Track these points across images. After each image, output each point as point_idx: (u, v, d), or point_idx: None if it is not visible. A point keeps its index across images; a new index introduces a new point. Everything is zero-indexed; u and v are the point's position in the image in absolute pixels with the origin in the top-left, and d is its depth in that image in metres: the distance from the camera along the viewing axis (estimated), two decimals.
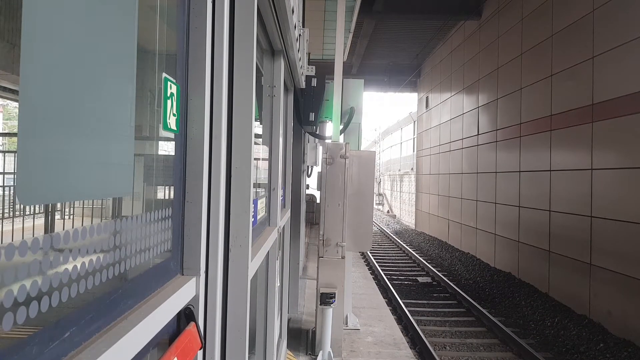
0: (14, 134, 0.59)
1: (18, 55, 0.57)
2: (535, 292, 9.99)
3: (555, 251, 9.66)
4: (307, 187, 9.86)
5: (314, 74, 5.75)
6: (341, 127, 5.97)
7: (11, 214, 0.67)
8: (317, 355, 4.91)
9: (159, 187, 1.21)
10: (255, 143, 1.84)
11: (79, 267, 0.74)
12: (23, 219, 0.72)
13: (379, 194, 38.04)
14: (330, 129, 5.86)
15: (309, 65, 5.73)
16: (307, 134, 6.79)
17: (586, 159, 8.57)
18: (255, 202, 2.26)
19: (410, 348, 6.06)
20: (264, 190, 2.91)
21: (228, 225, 1.56)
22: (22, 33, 0.57)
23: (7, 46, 0.62)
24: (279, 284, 3.53)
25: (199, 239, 1.30)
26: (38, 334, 0.64)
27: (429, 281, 12.00)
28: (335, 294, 4.90)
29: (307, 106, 5.80)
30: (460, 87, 16.44)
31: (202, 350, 1.32)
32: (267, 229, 2.89)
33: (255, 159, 1.89)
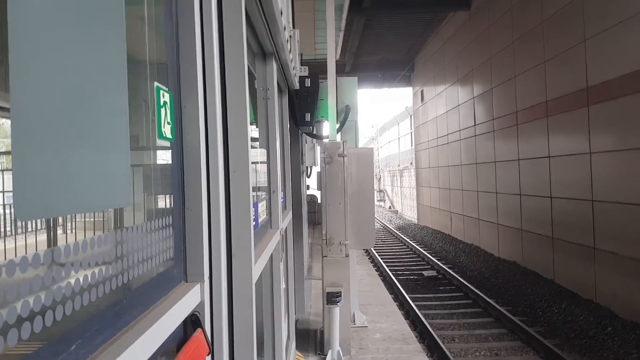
0: (8, 152, 0.59)
1: (6, 72, 0.57)
2: (540, 280, 9.99)
3: (559, 237, 9.66)
4: (308, 187, 9.86)
5: (307, 75, 5.75)
6: (337, 125, 5.96)
7: (13, 231, 0.67)
8: (327, 355, 4.91)
9: (158, 195, 1.21)
10: (252, 146, 1.85)
11: (81, 279, 0.74)
12: (25, 236, 0.73)
13: (380, 191, 38.04)
14: (327, 128, 5.86)
15: (301, 65, 5.73)
16: (304, 135, 6.79)
17: (584, 143, 8.57)
18: (255, 206, 2.26)
19: (419, 342, 6.07)
20: (264, 193, 2.91)
21: (229, 230, 1.56)
22: (10, 48, 0.57)
23: None
24: (284, 286, 3.53)
25: (201, 245, 1.30)
26: (43, 349, 0.64)
27: (434, 275, 12.01)
28: (341, 292, 4.90)
29: (303, 107, 5.80)
30: (454, 78, 16.44)
31: (210, 356, 1.32)
32: (269, 231, 2.89)
33: (253, 162, 1.90)
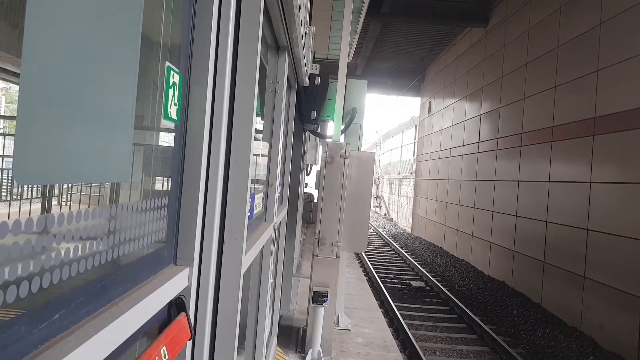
0: (13, 117, 0.59)
1: (20, 36, 0.57)
2: (527, 302, 10.00)
3: (550, 262, 9.67)
4: (306, 185, 9.86)
5: (317, 73, 5.75)
6: (342, 127, 5.97)
7: (8, 197, 0.67)
8: (307, 354, 4.91)
9: (156, 175, 1.21)
10: (256, 138, 1.84)
11: (71, 250, 0.74)
12: (20, 203, 0.73)
13: (377, 197, 38.04)
14: (332, 128, 5.86)
15: (313, 63, 5.73)
16: (308, 132, 6.79)
17: (585, 171, 8.57)
18: (252, 197, 2.26)
19: (400, 351, 6.06)
20: (262, 185, 2.91)
21: (224, 217, 1.56)
22: (26, 17, 0.57)
23: (10, 27, 0.62)
24: (272, 280, 3.53)
25: (193, 230, 1.30)
26: (27, 315, 0.64)
27: (422, 285, 12.01)
28: (327, 293, 4.89)
29: (310, 104, 5.79)
30: (463, 93, 16.44)
31: (191, 341, 1.32)
32: (263, 224, 2.89)
33: (254, 154, 1.89)
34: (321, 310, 4.88)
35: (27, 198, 0.74)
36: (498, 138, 12.88)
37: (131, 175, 0.95)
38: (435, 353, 7.30)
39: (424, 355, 6.81)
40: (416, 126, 25.92)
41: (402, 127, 32.11)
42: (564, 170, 9.40)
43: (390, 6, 14.33)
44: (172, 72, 1.12)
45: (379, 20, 15.53)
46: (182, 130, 1.26)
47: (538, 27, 11.07)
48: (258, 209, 2.63)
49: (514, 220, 11.55)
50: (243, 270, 1.65)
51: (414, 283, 12.17)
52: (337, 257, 5.09)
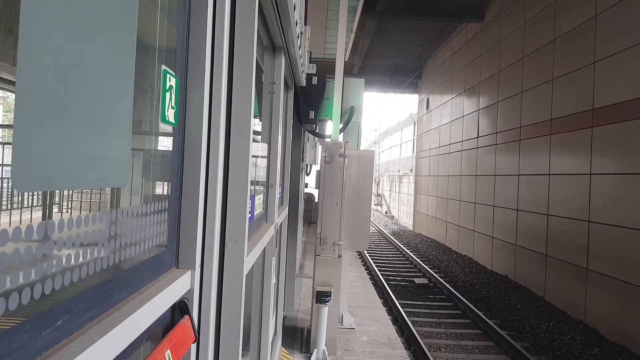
0: (11, 126, 0.59)
1: (15, 43, 0.57)
2: (531, 296, 10.00)
3: (552, 255, 9.67)
4: (306, 185, 9.86)
5: (314, 72, 5.75)
6: (341, 126, 5.96)
7: (8, 205, 0.67)
8: (312, 354, 4.91)
9: (156, 179, 1.21)
10: (254, 139, 1.84)
11: (73, 255, 0.74)
12: (21, 210, 0.72)
13: (378, 195, 38.05)
14: (330, 127, 5.85)
15: (310, 63, 5.73)
16: (306, 132, 6.78)
17: (585, 163, 8.57)
18: (252, 198, 2.26)
19: (405, 348, 6.07)
20: (262, 187, 2.91)
21: (224, 219, 1.56)
22: (20, 23, 0.56)
23: (4, 35, 0.62)
24: (274, 281, 3.53)
25: (195, 233, 1.30)
26: (30, 322, 0.64)
27: (425, 282, 12.01)
28: (331, 292, 4.89)
29: (308, 104, 5.79)
30: (461, 89, 16.44)
31: (195, 344, 1.32)
32: (264, 225, 2.89)
33: (253, 155, 1.89)
34: (325, 309, 4.88)
35: (27, 206, 0.74)
36: (497, 132, 12.88)
37: (131, 179, 0.95)
38: (440, 349, 7.30)
39: (429, 351, 6.81)
40: (415, 123, 25.93)
41: (401, 124, 32.13)
42: (563, 163, 9.40)
43: (385, 4, 14.33)
44: (168, 76, 1.12)
45: (375, 18, 15.52)
46: (180, 133, 1.26)
47: (534, 20, 11.07)
48: (259, 210, 2.63)
49: (515, 214, 11.55)
50: (245, 272, 1.65)
51: (417, 280, 12.17)
52: (340, 256, 5.09)
